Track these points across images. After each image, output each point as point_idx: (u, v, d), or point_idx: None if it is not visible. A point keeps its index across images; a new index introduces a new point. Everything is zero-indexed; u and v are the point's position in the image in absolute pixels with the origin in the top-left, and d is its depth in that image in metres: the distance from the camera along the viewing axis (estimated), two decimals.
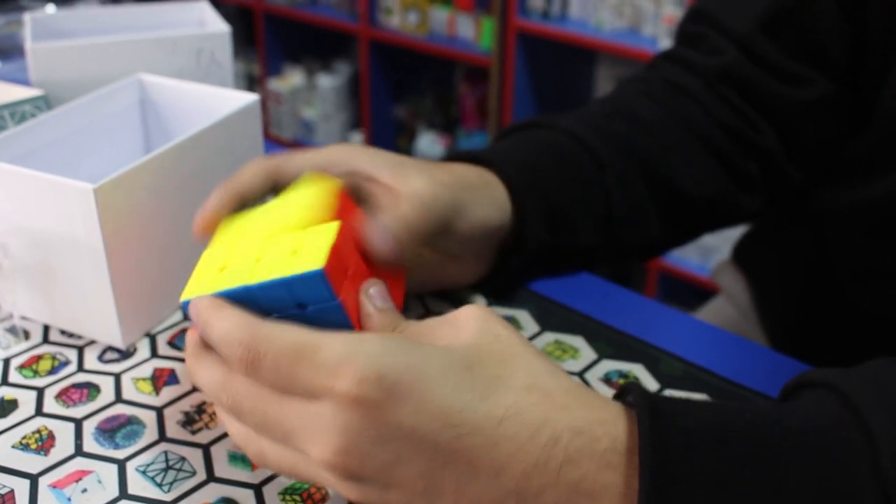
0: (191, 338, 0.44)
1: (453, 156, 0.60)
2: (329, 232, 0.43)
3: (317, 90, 2.96)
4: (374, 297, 0.44)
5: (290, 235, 0.44)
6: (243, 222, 0.49)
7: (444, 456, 0.36)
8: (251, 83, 3.22)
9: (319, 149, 0.54)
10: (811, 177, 0.74)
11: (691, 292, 2.16)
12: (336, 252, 0.42)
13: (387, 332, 0.43)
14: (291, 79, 3.02)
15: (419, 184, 0.51)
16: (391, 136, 2.90)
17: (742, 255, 0.94)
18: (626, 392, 0.40)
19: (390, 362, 0.36)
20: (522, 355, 0.39)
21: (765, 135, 0.69)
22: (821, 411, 0.38)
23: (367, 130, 2.85)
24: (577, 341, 0.58)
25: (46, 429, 0.49)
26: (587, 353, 0.57)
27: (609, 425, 0.37)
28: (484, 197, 0.55)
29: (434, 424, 0.36)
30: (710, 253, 2.11)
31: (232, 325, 0.40)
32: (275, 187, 0.52)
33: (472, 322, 0.41)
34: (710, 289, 2.07)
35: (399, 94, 2.88)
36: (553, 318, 0.60)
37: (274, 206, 0.49)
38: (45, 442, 0.48)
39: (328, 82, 2.93)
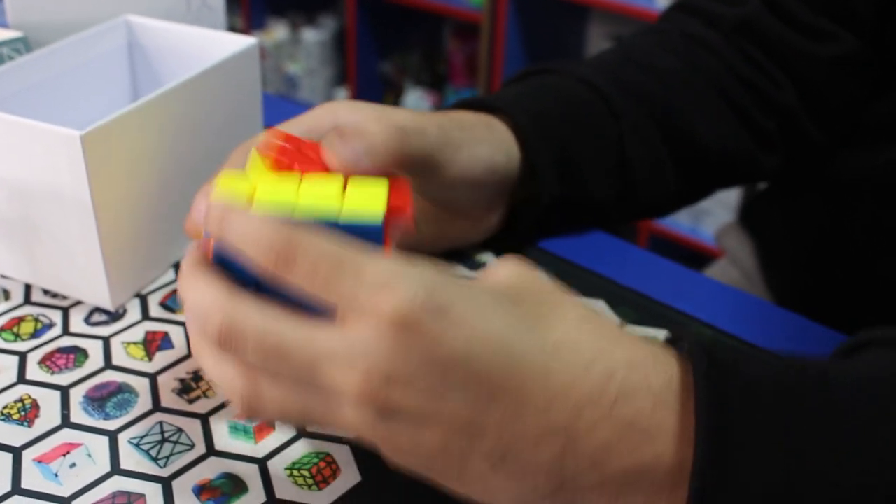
0: (191, 255, 0.38)
1: (458, 103, 0.57)
2: (380, 183, 0.38)
3: (301, 45, 2.89)
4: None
5: (334, 179, 0.39)
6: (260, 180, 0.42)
7: (492, 385, 0.33)
8: None
9: (305, 113, 0.49)
10: (831, 137, 0.72)
11: (683, 255, 2.14)
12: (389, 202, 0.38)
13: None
14: (275, 33, 2.95)
15: (402, 118, 0.47)
16: (377, 93, 2.84)
17: (750, 218, 0.92)
18: (678, 339, 0.37)
19: (442, 284, 0.33)
20: (567, 298, 0.37)
21: (785, 91, 0.67)
22: (889, 364, 0.36)
23: (353, 87, 2.79)
24: (599, 305, 0.54)
25: (30, 397, 0.46)
26: (610, 318, 0.53)
27: (663, 363, 0.35)
28: (482, 135, 0.52)
29: (487, 351, 0.33)
30: (703, 216, 2.09)
31: (265, 224, 0.34)
32: None
33: (511, 268, 0.38)
34: (702, 251, 2.05)
35: (386, 49, 2.82)
36: (572, 280, 0.56)
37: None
38: (28, 412, 0.45)
39: (313, 37, 2.87)
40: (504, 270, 0.37)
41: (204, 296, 0.35)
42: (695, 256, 2.09)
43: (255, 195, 0.37)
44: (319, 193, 0.37)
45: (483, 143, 0.51)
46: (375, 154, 0.42)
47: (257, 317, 0.34)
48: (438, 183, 0.49)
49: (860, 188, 0.72)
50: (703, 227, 2.10)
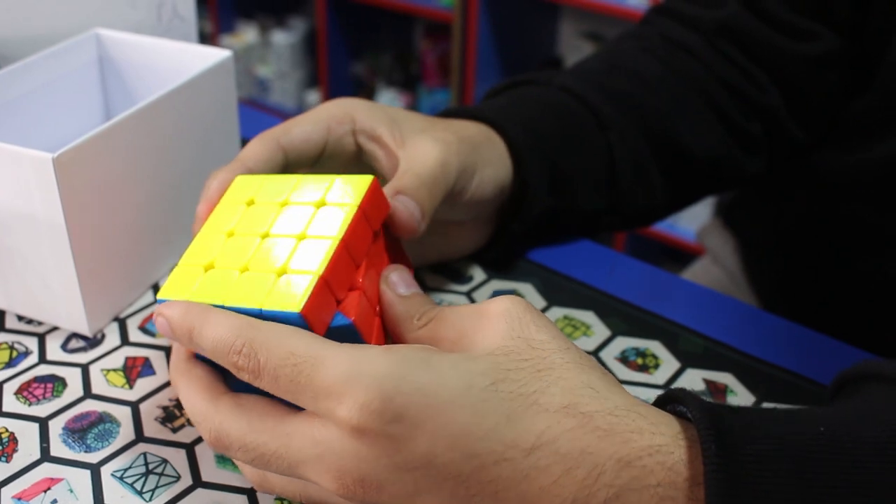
0: (176, 351, 0.39)
1: (448, 112, 0.56)
2: (322, 257, 0.38)
3: (271, 47, 2.86)
4: (395, 284, 0.40)
5: (288, 241, 0.39)
6: (261, 189, 0.43)
7: (467, 488, 0.32)
8: (203, 41, 3.11)
9: (318, 108, 0.49)
10: (813, 137, 0.71)
11: (661, 251, 2.14)
12: (323, 285, 0.37)
13: (408, 323, 0.38)
14: (245, 36, 2.92)
15: (424, 149, 0.46)
16: (350, 95, 2.81)
17: (732, 216, 0.92)
18: (675, 399, 0.35)
19: (397, 385, 0.32)
20: (561, 366, 0.34)
21: (767, 92, 0.67)
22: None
23: (325, 89, 2.77)
24: (588, 317, 0.53)
25: (7, 431, 0.44)
26: (600, 329, 0.52)
27: (663, 454, 0.32)
28: (488, 155, 0.51)
29: (453, 454, 0.32)
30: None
31: (226, 329, 0.35)
32: (285, 158, 0.47)
33: (502, 321, 0.35)
34: (680, 247, 2.05)
35: (357, 50, 2.80)
36: (560, 291, 0.55)
37: (302, 180, 0.43)
38: (6, 446, 0.43)
39: (283, 39, 2.84)
40: (495, 325, 0.36)
41: (193, 403, 0.37)
42: (673, 252, 2.09)
43: (209, 267, 0.39)
44: (253, 281, 0.38)
45: (490, 164, 0.51)
46: (426, 213, 0.44)
47: (236, 426, 0.35)
48: (447, 206, 0.48)
49: (841, 186, 0.72)
50: (681, 222, 2.10)
